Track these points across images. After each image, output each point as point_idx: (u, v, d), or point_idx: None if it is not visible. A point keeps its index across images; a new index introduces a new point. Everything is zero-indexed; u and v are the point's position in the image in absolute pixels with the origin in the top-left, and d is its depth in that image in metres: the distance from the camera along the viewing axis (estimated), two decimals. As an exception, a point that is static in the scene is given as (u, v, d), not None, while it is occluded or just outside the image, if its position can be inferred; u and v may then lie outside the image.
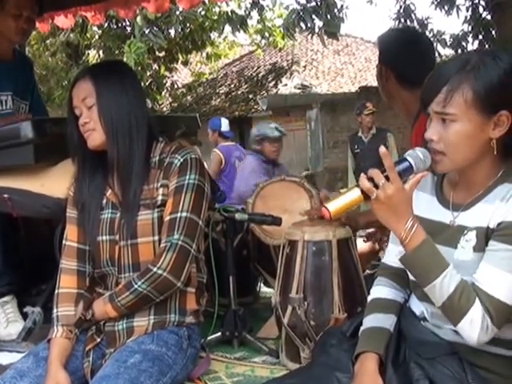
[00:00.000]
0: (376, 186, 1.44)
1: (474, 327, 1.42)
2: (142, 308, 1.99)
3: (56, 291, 2.05)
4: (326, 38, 7.99)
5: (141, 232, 1.99)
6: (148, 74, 13.43)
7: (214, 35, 13.47)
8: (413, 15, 8.45)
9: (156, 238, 1.99)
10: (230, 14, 10.44)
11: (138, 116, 2.01)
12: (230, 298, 2.34)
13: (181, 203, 1.97)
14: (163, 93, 14.53)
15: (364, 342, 1.63)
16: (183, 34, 12.81)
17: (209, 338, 2.31)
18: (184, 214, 1.96)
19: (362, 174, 1.47)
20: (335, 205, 1.48)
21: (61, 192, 2.24)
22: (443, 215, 1.60)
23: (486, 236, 1.48)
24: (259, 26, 12.69)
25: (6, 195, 2.37)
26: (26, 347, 2.33)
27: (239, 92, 15.68)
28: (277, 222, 2.26)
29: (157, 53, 12.92)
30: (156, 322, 1.99)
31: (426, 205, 1.65)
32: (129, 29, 12.01)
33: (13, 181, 2.39)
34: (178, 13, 11.38)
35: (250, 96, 14.98)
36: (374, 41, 17.14)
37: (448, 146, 1.49)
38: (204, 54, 14.30)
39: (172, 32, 12.48)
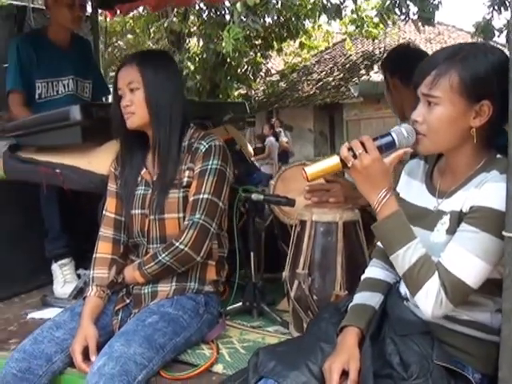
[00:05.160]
0: (355, 156, 1.52)
1: (428, 300, 1.47)
2: (165, 276, 2.19)
3: (94, 255, 2.29)
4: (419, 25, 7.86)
5: (168, 208, 2.19)
6: (245, 60, 13.72)
7: (307, 24, 13.49)
8: (507, 2, 8.09)
9: (181, 214, 2.18)
10: (325, 2, 10.47)
11: (178, 104, 2.20)
12: (251, 272, 2.48)
13: (203, 186, 2.15)
14: (258, 79, 14.76)
15: (349, 317, 1.72)
16: (279, 22, 12.95)
17: (231, 306, 2.48)
18: (206, 196, 2.15)
19: (345, 143, 1.55)
20: (313, 168, 1.55)
21: (105, 169, 2.45)
22: (429, 201, 1.66)
23: (458, 219, 1.53)
24: (354, 16, 12.61)
25: (58, 170, 2.61)
26: (75, 305, 2.59)
27: (330, 79, 15.54)
28: (291, 203, 2.36)
29: (253, 40, 13.15)
30: (177, 289, 2.19)
31: (416, 191, 1.72)
32: (227, 17, 12.27)
33: (64, 158, 2.62)
34: (274, 0, 11.52)
35: (341, 83, 14.85)
36: (466, 29, 16.49)
37: (429, 129, 1.55)
38: (297, 44, 14.36)
39: (268, 20, 12.63)
